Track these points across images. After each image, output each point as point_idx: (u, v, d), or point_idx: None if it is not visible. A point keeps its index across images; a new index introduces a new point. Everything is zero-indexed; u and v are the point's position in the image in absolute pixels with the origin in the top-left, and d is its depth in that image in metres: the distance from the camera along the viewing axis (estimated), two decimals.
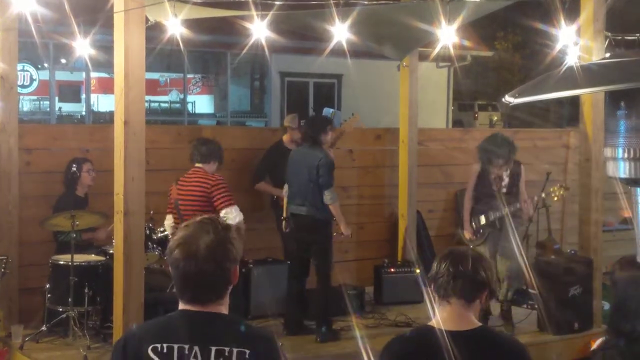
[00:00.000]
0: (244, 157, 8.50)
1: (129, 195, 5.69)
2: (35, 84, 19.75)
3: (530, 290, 7.59)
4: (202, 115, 23.66)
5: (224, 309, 2.75)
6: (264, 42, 6.83)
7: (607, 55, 3.51)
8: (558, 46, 7.34)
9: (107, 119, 20.06)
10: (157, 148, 7.82)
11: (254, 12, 6.48)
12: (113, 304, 5.89)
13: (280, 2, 6.31)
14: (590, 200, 7.75)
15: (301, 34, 11.95)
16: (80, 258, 6.89)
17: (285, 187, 7.52)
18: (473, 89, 30.43)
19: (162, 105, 24.08)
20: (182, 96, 22.89)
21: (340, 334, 7.33)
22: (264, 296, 7.67)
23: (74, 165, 7.48)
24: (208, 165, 7.35)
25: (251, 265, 7.81)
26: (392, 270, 8.60)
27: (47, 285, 6.83)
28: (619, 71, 2.80)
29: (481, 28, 21.74)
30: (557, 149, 10.92)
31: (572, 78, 2.85)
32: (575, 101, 10.61)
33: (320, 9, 6.70)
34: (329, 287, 7.38)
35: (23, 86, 18.81)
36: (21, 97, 18.59)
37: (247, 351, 2.66)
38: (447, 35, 6.77)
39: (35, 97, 21.13)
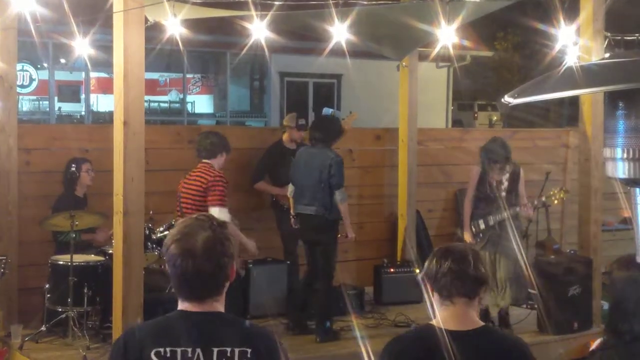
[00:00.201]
0: (244, 156, 8.49)
1: (129, 195, 5.69)
2: (34, 83, 19.74)
3: (530, 290, 7.58)
4: (201, 115, 23.64)
5: (221, 306, 2.73)
6: (263, 42, 6.83)
7: (607, 55, 3.51)
8: (558, 46, 7.34)
9: (106, 119, 20.05)
10: (157, 148, 7.81)
11: (253, 12, 6.48)
12: (112, 304, 5.89)
13: (280, 2, 6.31)
14: (589, 200, 7.75)
15: (301, 34, 11.95)
16: (79, 258, 6.89)
17: (291, 187, 7.50)
18: (473, 89, 30.41)
19: (162, 105, 24.06)
20: (181, 96, 22.87)
21: (340, 334, 7.33)
22: (263, 296, 7.67)
23: (73, 165, 7.47)
24: (215, 160, 7.23)
25: (250, 265, 7.81)
26: (392, 270, 8.61)
27: (47, 285, 6.84)
28: (619, 71, 2.79)
29: (481, 28, 21.70)
30: (556, 148, 10.92)
31: (571, 78, 2.85)
32: (575, 101, 10.61)
33: (319, 9, 6.69)
34: (331, 288, 7.38)
35: (22, 86, 18.79)
36: (20, 97, 18.58)
37: (249, 350, 2.66)
38: (447, 35, 6.77)
39: (34, 97, 21.10)
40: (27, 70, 19.21)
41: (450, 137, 10.64)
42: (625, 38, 7.57)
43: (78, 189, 7.49)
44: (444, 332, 3.06)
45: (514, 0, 8.16)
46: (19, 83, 15.59)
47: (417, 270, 8.30)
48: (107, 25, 5.85)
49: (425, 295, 3.22)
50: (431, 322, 3.16)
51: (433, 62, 20.00)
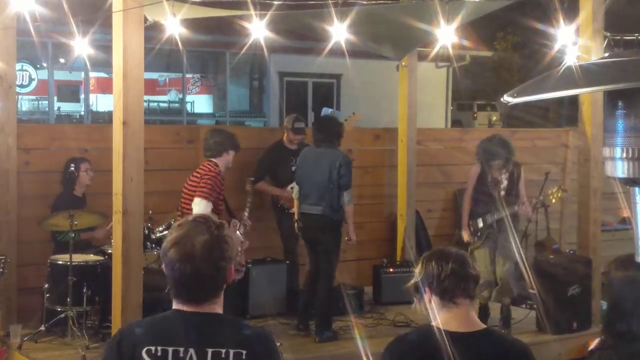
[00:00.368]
0: (243, 156, 8.47)
1: (128, 195, 5.69)
2: (34, 83, 19.71)
3: (529, 290, 7.58)
4: (201, 115, 23.63)
5: (218, 308, 2.72)
6: (262, 42, 6.82)
7: (606, 54, 3.51)
8: (557, 46, 7.34)
9: (106, 118, 20.04)
10: (156, 148, 7.81)
11: (252, 12, 6.47)
12: (111, 304, 5.89)
13: (279, 2, 6.31)
14: (589, 200, 7.76)
15: (300, 33, 11.96)
16: (78, 258, 6.89)
17: (295, 188, 7.48)
18: (472, 88, 30.42)
19: (161, 105, 24.05)
20: (181, 96, 22.86)
21: (339, 334, 7.32)
22: (263, 296, 7.67)
23: (72, 165, 7.47)
24: (220, 158, 7.13)
25: (250, 265, 7.81)
26: (391, 270, 8.60)
27: (46, 285, 6.84)
28: (618, 71, 2.79)
29: (480, 28, 21.72)
30: (556, 148, 10.92)
31: (571, 78, 2.85)
32: (574, 101, 10.60)
33: (319, 9, 6.69)
34: (332, 289, 7.37)
35: (22, 86, 18.76)
36: (20, 96, 18.57)
37: (244, 352, 2.64)
38: (446, 35, 6.77)
39: (34, 97, 21.09)
40: (26, 70, 19.19)
41: (449, 137, 10.64)
42: (624, 38, 7.57)
43: (77, 188, 7.49)
44: (446, 334, 3.06)
45: (514, 0, 8.16)
46: (18, 83, 15.56)
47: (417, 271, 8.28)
48: (107, 24, 5.85)
49: (416, 300, 3.22)
50: (432, 324, 3.16)
51: (432, 62, 20.02)
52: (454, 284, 3.11)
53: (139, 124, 5.75)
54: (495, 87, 29.94)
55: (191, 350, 2.62)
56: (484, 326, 3.18)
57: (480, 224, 7.58)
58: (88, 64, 11.73)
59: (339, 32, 6.76)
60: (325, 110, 9.73)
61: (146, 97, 11.63)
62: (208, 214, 6.62)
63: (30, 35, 7.81)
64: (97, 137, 7.75)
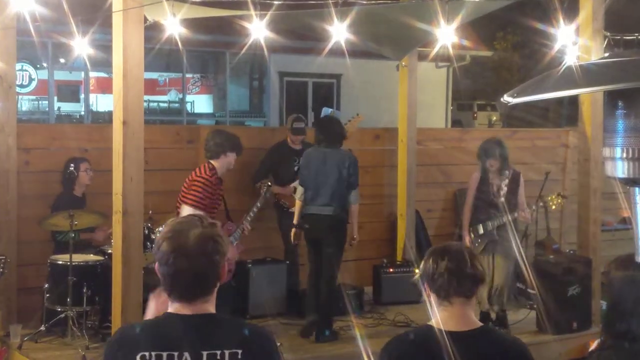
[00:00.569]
0: (243, 156, 8.44)
1: (128, 195, 5.69)
2: (34, 83, 19.71)
3: (529, 290, 7.58)
4: (201, 115, 23.63)
5: (211, 307, 2.68)
6: (262, 42, 6.82)
7: (606, 54, 3.51)
8: (557, 46, 7.34)
9: (105, 118, 20.04)
10: (156, 148, 7.81)
11: (252, 12, 6.47)
12: (111, 304, 5.89)
13: (279, 2, 6.31)
14: (589, 200, 7.75)
15: (300, 33, 11.96)
16: (78, 258, 6.89)
17: (299, 189, 7.45)
18: (472, 88, 30.43)
19: (161, 105, 24.05)
20: (181, 96, 22.86)
21: (339, 334, 7.32)
22: (263, 296, 7.67)
23: (72, 164, 7.47)
24: (218, 160, 7.01)
25: (250, 265, 7.81)
26: (391, 270, 8.61)
27: (46, 285, 6.84)
28: (618, 71, 2.80)
29: (480, 28, 21.72)
30: (556, 148, 10.92)
31: (571, 77, 2.85)
32: (574, 101, 10.61)
33: (319, 9, 6.69)
34: (334, 289, 7.35)
35: (22, 86, 18.76)
36: (20, 96, 18.57)
37: (240, 351, 2.61)
38: (446, 35, 6.76)
39: (34, 97, 21.09)
40: (26, 70, 19.19)
41: (449, 137, 10.64)
42: (624, 38, 7.57)
43: (77, 188, 7.49)
44: (444, 333, 3.06)
45: (513, 0, 8.16)
46: (18, 83, 15.55)
47: (417, 270, 8.28)
48: (107, 24, 5.85)
49: (425, 297, 3.21)
50: (429, 323, 3.15)
51: (432, 62, 20.03)
52: (447, 283, 3.08)
53: (139, 124, 5.75)
54: (495, 87, 29.95)
55: (186, 354, 2.59)
56: (481, 324, 3.16)
57: (481, 230, 7.58)
58: (88, 63, 11.73)
59: (339, 32, 6.76)
60: (325, 110, 9.72)
61: (146, 97, 11.63)
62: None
63: (30, 35, 7.81)
64: (97, 137, 7.75)
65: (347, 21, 6.67)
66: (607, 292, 3.28)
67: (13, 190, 7.18)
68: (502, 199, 7.50)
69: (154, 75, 23.17)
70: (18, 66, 13.91)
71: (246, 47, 7.26)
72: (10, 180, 7.17)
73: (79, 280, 6.68)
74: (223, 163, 7.06)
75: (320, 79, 21.89)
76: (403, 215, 9.17)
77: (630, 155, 2.74)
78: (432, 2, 6.61)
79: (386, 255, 9.14)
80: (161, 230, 2.77)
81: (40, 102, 21.18)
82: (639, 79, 2.70)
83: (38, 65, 19.88)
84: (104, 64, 11.10)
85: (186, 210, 6.62)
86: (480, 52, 23.42)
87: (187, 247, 2.61)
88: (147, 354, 2.59)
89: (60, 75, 20.94)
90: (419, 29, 7.30)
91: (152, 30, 6.46)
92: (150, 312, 2.87)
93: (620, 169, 2.78)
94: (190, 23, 7.01)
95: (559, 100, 26.10)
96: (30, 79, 19.53)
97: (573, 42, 7.30)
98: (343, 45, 7.08)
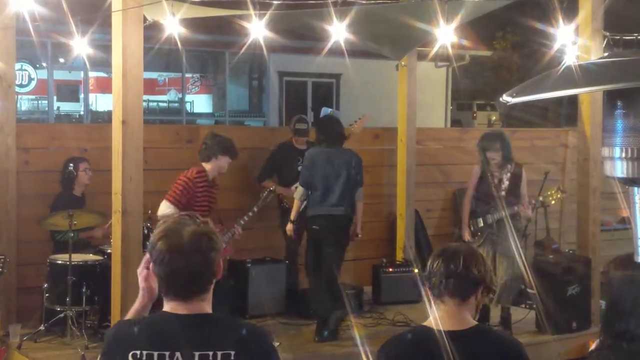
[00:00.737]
0: (243, 156, 8.46)
1: (127, 194, 5.69)
2: (33, 83, 19.71)
3: (529, 290, 7.57)
4: (200, 115, 23.63)
5: (207, 306, 2.69)
6: (262, 42, 6.82)
7: (606, 54, 3.51)
8: (556, 45, 7.34)
9: (105, 118, 20.02)
10: (156, 147, 7.82)
11: (252, 12, 6.47)
12: (111, 304, 5.89)
13: (279, 2, 6.31)
14: (588, 200, 7.76)
15: (299, 33, 11.95)
16: (78, 257, 6.89)
17: (300, 189, 7.44)
18: (471, 88, 30.43)
19: (161, 104, 24.06)
20: (180, 95, 22.87)
21: (338, 334, 7.31)
22: (262, 296, 7.66)
23: (71, 164, 7.47)
24: (209, 163, 7.03)
25: (249, 265, 7.80)
26: (391, 269, 8.61)
27: (45, 285, 6.84)
28: (617, 70, 2.80)
29: (480, 27, 21.73)
30: (555, 148, 10.92)
31: (570, 77, 2.85)
32: (573, 100, 10.61)
33: (318, 9, 6.69)
34: (334, 289, 7.33)
35: (21, 85, 18.76)
36: (19, 96, 18.55)
37: (232, 352, 2.60)
38: (446, 34, 6.77)
39: (33, 97, 21.08)
40: (25, 70, 19.19)
41: (449, 137, 10.64)
42: (624, 37, 7.57)
43: (76, 188, 7.48)
44: (438, 332, 3.07)
45: (513, 0, 8.16)
46: (17, 82, 15.52)
47: (416, 270, 8.29)
48: (106, 24, 5.85)
49: (424, 296, 3.23)
50: (425, 323, 3.17)
51: (432, 61, 20.04)
52: (439, 282, 3.11)
53: (138, 124, 5.75)
54: (495, 87, 29.95)
55: (177, 354, 2.58)
56: (475, 323, 3.17)
57: (481, 224, 7.57)
58: (87, 63, 11.74)
59: (338, 31, 6.76)
60: (325, 110, 9.72)
61: (145, 97, 11.66)
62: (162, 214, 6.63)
63: (29, 35, 7.81)
64: (97, 137, 7.75)
65: (347, 21, 6.68)
66: (606, 292, 3.29)
67: (12, 190, 7.18)
68: (503, 193, 7.49)
69: (153, 75, 23.17)
70: (17, 66, 13.93)
71: (245, 46, 7.26)
72: (10, 180, 7.17)
73: (78, 280, 6.68)
74: (214, 166, 7.07)
75: (320, 78, 21.89)
76: (402, 215, 9.16)
77: (630, 155, 2.74)
78: (432, 1, 6.61)
79: (385, 255, 9.14)
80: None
81: (39, 101, 21.17)
82: (638, 79, 2.70)
83: (37, 65, 19.89)
84: (104, 63, 11.09)
85: (162, 206, 6.74)
86: (480, 51, 23.43)
87: (182, 244, 2.63)
88: (138, 352, 2.59)
89: (59, 75, 20.94)
90: (418, 28, 7.29)
91: (151, 30, 6.46)
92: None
93: (619, 169, 2.79)
94: (190, 23, 7.01)
95: (558, 100, 26.10)
96: (30, 79, 19.53)
97: (572, 42, 7.30)
98: (342, 45, 7.08)
